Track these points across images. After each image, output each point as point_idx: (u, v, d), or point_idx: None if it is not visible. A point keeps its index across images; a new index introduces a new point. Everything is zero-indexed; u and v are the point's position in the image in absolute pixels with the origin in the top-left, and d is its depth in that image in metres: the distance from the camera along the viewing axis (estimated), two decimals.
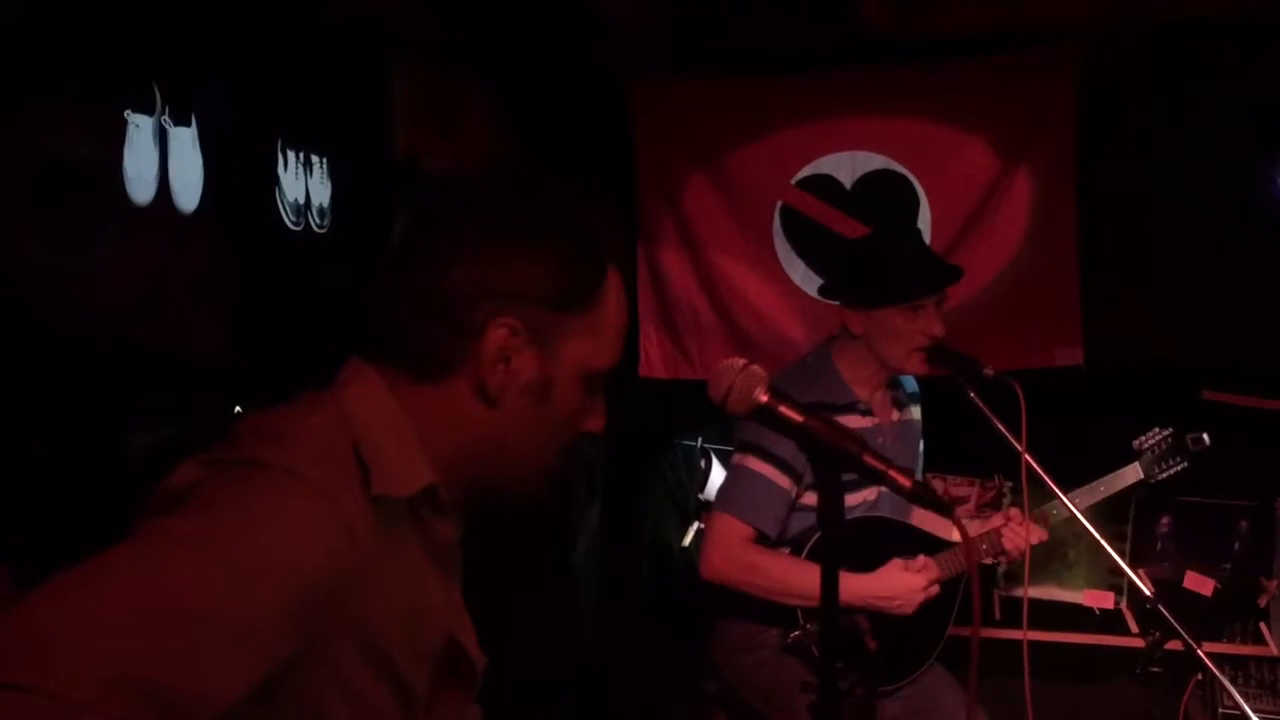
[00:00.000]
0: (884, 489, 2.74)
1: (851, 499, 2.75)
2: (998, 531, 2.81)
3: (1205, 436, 2.87)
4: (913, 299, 2.74)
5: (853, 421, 2.74)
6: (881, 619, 2.70)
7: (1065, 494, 2.71)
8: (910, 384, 3.01)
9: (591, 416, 1.38)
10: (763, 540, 2.72)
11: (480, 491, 1.35)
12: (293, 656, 1.12)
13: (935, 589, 2.74)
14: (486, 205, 1.32)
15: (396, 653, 1.25)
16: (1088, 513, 2.73)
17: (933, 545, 2.82)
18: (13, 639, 0.96)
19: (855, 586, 2.67)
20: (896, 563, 2.73)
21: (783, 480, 2.70)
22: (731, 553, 2.69)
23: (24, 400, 2.25)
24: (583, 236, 1.31)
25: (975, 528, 2.93)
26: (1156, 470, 2.87)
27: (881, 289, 2.75)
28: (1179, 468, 2.87)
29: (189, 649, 1.01)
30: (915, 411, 3.02)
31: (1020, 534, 2.78)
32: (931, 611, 2.77)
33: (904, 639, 2.75)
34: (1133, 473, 2.87)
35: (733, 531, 2.69)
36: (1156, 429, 2.88)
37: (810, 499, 2.74)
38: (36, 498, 2.22)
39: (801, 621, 2.66)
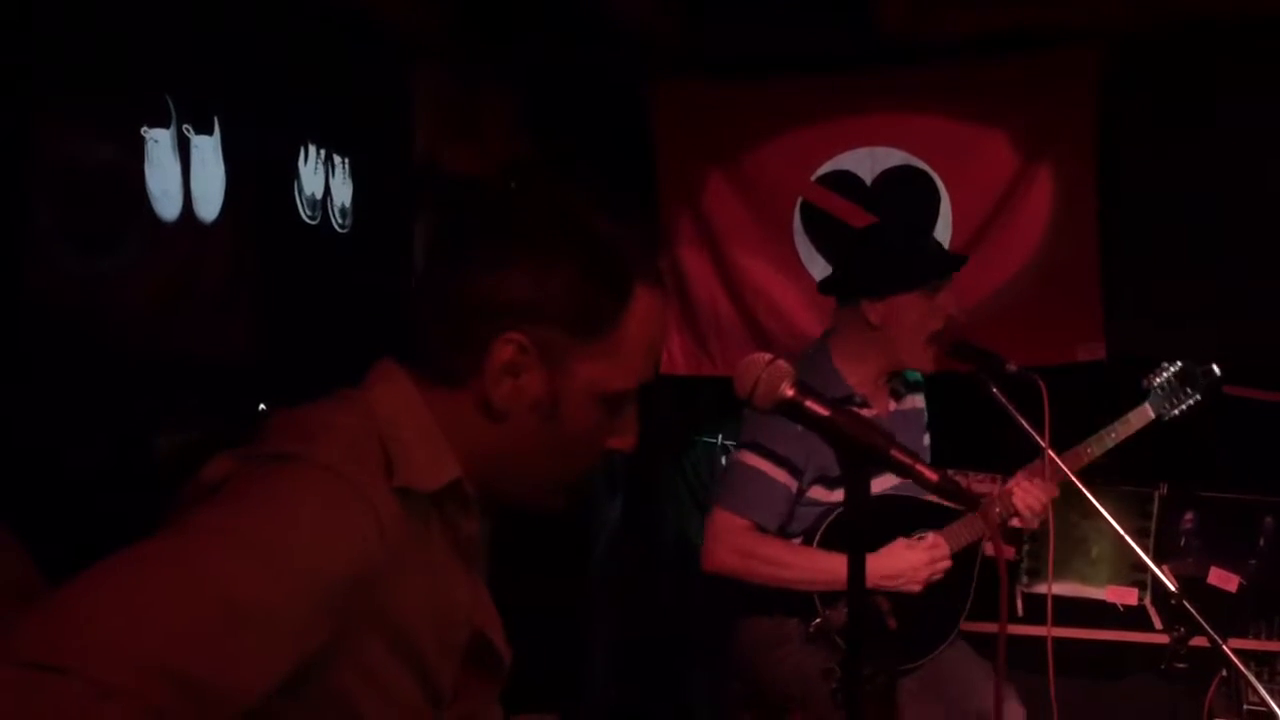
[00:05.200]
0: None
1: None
2: (1008, 493, 2.79)
3: (1215, 368, 2.80)
4: (936, 278, 2.76)
5: None
6: (900, 598, 2.71)
7: (1077, 445, 2.72)
8: (911, 372, 3.00)
9: (619, 435, 1.35)
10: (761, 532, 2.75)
11: (495, 498, 1.36)
12: (322, 648, 1.13)
13: (945, 563, 2.74)
14: (510, 219, 1.32)
15: (423, 645, 1.26)
16: (1111, 508, 2.71)
17: (941, 516, 2.81)
18: (51, 622, 0.98)
19: (841, 574, 2.67)
20: (900, 542, 2.73)
21: (780, 475, 2.72)
22: (731, 542, 2.72)
23: (54, 403, 2.28)
24: (606, 255, 1.28)
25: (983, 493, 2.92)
26: (1168, 407, 2.80)
27: (905, 273, 2.75)
28: (1191, 402, 2.80)
29: (222, 640, 1.03)
30: (918, 400, 3.01)
31: (1032, 491, 2.75)
32: (948, 588, 2.77)
33: (923, 617, 2.76)
34: (1143, 414, 2.80)
35: (730, 524, 2.73)
36: (1165, 363, 2.82)
37: (820, 493, 2.77)
38: (66, 499, 2.24)
39: (820, 609, 2.67)
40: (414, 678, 1.26)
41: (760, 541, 2.72)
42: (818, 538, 2.74)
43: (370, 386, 1.30)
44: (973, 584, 2.85)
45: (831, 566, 2.65)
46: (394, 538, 1.18)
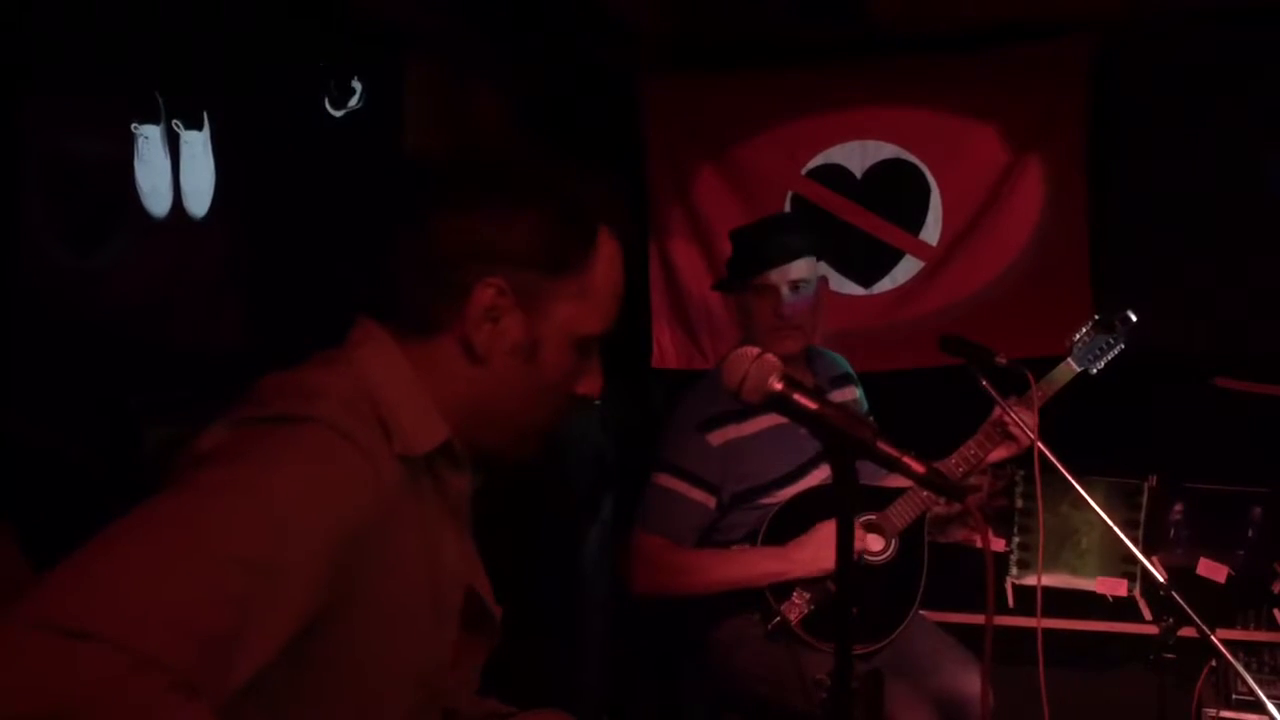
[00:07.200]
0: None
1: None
2: (998, 420, 2.76)
3: (1130, 314, 2.82)
4: (752, 277, 2.81)
5: (754, 425, 2.75)
6: (858, 583, 2.69)
7: (1009, 407, 2.70)
8: (841, 365, 3.02)
9: (585, 380, 1.39)
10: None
11: (475, 451, 1.36)
12: (322, 609, 1.13)
13: (871, 542, 2.74)
14: (478, 168, 1.34)
15: (421, 604, 1.27)
16: (1100, 499, 2.73)
17: (881, 498, 2.81)
18: (74, 586, 0.97)
19: (765, 567, 2.68)
20: (819, 527, 2.69)
21: (695, 494, 2.73)
22: (655, 561, 2.73)
23: (44, 397, 2.28)
24: (572, 200, 1.32)
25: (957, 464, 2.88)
26: (1091, 359, 2.82)
27: (735, 272, 2.87)
28: (1115, 351, 2.82)
29: (242, 598, 1.03)
30: (849, 392, 3.01)
31: (1020, 413, 2.71)
32: (901, 568, 2.78)
33: (880, 599, 2.75)
34: (1066, 369, 2.82)
35: (650, 545, 2.74)
36: (1086, 325, 2.84)
37: (762, 499, 2.76)
38: (57, 491, 2.24)
39: (774, 607, 2.67)
40: (414, 636, 1.27)
41: (680, 554, 2.73)
42: (761, 537, 2.74)
43: (354, 348, 1.31)
44: (924, 560, 2.85)
45: (751, 561, 2.69)
46: (392, 500, 1.20)
